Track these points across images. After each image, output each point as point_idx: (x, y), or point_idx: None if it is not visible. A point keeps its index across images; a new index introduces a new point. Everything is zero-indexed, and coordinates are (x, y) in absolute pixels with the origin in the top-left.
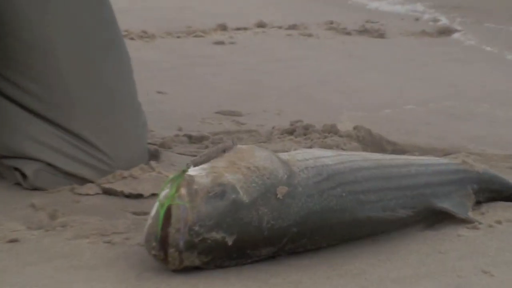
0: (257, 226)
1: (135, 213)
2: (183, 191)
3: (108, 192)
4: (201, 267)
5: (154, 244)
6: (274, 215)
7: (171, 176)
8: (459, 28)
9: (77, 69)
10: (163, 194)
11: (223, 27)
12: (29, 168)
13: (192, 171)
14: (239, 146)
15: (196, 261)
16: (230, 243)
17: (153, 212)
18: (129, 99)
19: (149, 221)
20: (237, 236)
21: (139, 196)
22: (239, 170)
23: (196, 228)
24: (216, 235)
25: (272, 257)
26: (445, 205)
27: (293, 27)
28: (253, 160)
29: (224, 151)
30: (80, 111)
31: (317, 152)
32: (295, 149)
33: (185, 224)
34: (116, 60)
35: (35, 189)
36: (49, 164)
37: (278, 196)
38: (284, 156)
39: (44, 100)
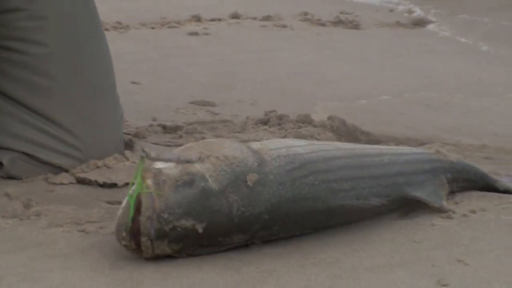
0: (227, 214)
1: (109, 202)
2: (149, 182)
3: (82, 181)
4: (173, 255)
5: (124, 234)
6: (245, 202)
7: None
8: (433, 19)
9: (60, 58)
10: (132, 188)
11: (198, 18)
12: (4, 157)
13: (161, 164)
14: (208, 139)
15: (167, 249)
16: (200, 230)
17: (123, 204)
18: (109, 90)
19: (119, 212)
20: (207, 224)
21: (113, 185)
22: (208, 160)
23: (165, 215)
24: (186, 223)
25: (245, 246)
26: (419, 194)
27: (267, 18)
28: (222, 151)
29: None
30: (59, 99)
31: (289, 141)
32: (267, 139)
33: (153, 212)
34: (98, 52)
35: (10, 178)
36: (24, 153)
37: (248, 183)
38: (255, 145)
39: (24, 87)
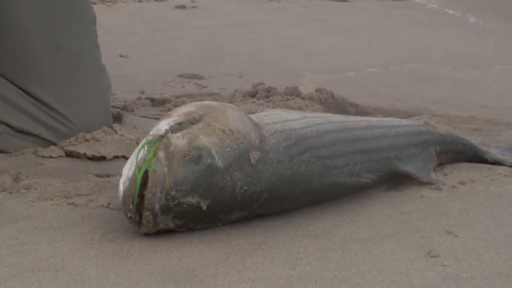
0: (231, 192)
1: (98, 175)
2: (161, 154)
3: (71, 154)
4: (174, 229)
5: (131, 206)
6: (248, 181)
7: (149, 138)
8: None
9: (41, 31)
10: (140, 156)
11: None
12: None
13: (167, 125)
14: (209, 102)
15: (170, 224)
16: (204, 207)
17: (129, 174)
18: (93, 62)
19: (126, 183)
20: (212, 201)
21: (102, 158)
22: (214, 132)
23: (173, 192)
24: (192, 200)
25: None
26: (409, 168)
27: None
28: (227, 122)
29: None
30: (43, 73)
31: (283, 114)
32: (261, 111)
33: (162, 189)
34: (80, 24)
35: None
36: (10, 126)
37: (251, 161)
38: (252, 118)
39: (8, 62)
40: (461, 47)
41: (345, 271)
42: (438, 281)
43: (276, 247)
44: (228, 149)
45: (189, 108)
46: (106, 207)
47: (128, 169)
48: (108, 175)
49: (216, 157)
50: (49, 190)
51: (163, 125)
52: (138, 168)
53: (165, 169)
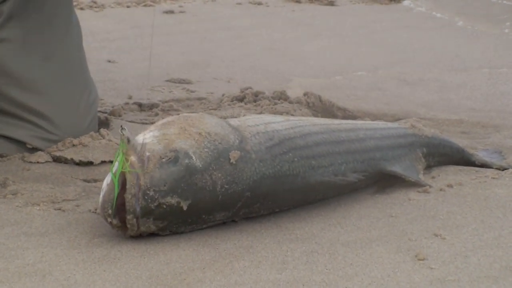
0: (211, 191)
1: (85, 181)
2: (133, 158)
3: (58, 160)
4: (157, 232)
5: (110, 211)
6: (228, 180)
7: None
8: None
9: (28, 40)
10: (115, 165)
11: None
12: None
13: (144, 138)
14: (187, 113)
15: (152, 226)
16: (185, 208)
17: (106, 182)
18: (80, 69)
19: (104, 189)
20: (192, 201)
21: (89, 163)
22: (190, 136)
23: (151, 193)
24: (171, 200)
25: (223, 223)
26: (396, 168)
27: None
28: (204, 126)
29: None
30: (32, 85)
31: (266, 117)
32: (244, 115)
33: (138, 189)
34: (67, 32)
35: None
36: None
37: (231, 161)
38: (234, 121)
39: None
40: (449, 51)
41: (333, 274)
42: (425, 284)
43: (263, 251)
44: (206, 149)
45: (167, 119)
46: (93, 212)
47: (105, 180)
48: (95, 180)
49: (193, 157)
50: (36, 195)
51: (140, 137)
52: (113, 174)
53: (138, 171)
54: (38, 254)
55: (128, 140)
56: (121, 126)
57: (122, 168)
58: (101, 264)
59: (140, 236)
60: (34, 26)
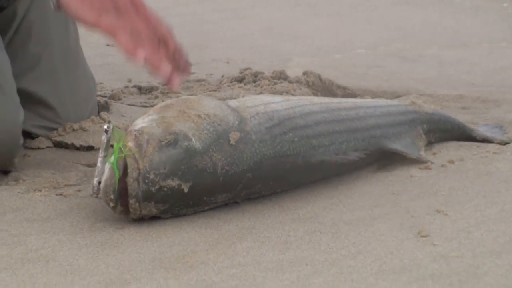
0: (212, 173)
1: (86, 165)
2: (130, 144)
3: (59, 145)
4: (158, 215)
5: (112, 196)
6: (228, 161)
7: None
8: None
9: (31, 31)
10: (112, 152)
11: None
12: None
13: (143, 122)
14: (186, 96)
15: (153, 210)
16: (186, 190)
17: (108, 167)
18: (78, 57)
19: (105, 174)
20: (193, 183)
21: (90, 148)
22: (189, 118)
23: (151, 176)
24: (172, 183)
25: (225, 204)
26: (397, 146)
27: None
28: (203, 109)
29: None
30: (34, 73)
31: (266, 98)
32: (243, 96)
33: (138, 173)
34: (66, 21)
35: None
36: None
37: (231, 142)
38: (233, 102)
39: None
40: (448, 26)
41: (336, 253)
42: (428, 260)
43: (265, 232)
44: (205, 131)
45: (165, 102)
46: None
47: (100, 164)
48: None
49: (193, 140)
50: (38, 181)
51: (139, 122)
52: (109, 160)
53: (136, 155)
54: (40, 240)
55: (112, 128)
56: (108, 120)
57: (118, 153)
58: (104, 249)
59: (142, 219)
60: (36, 15)
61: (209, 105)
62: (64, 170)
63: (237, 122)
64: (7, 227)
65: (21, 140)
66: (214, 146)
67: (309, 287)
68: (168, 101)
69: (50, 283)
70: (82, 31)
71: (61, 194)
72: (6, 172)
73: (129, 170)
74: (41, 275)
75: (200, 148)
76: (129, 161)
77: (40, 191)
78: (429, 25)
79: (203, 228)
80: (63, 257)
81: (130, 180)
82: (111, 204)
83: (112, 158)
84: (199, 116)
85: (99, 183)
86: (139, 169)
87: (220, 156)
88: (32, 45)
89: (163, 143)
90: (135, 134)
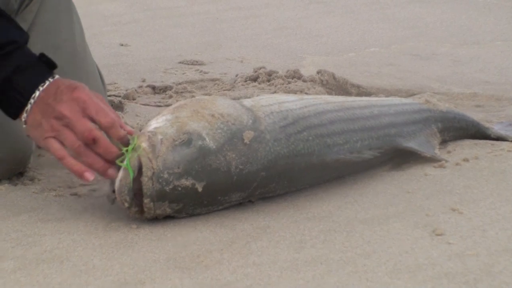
0: (226, 172)
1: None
2: (144, 145)
3: None
4: (173, 215)
5: (126, 197)
6: (242, 160)
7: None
8: None
9: (40, 33)
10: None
11: None
12: None
13: (156, 123)
14: (200, 96)
15: (167, 209)
16: (200, 189)
17: (121, 170)
18: (86, 57)
19: (120, 175)
20: (207, 183)
21: None
22: (203, 118)
23: (165, 175)
24: (186, 182)
25: (239, 204)
26: (411, 144)
27: None
28: (216, 108)
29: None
30: None
31: (280, 97)
32: (257, 95)
33: (153, 173)
34: (73, 23)
35: None
36: None
37: (245, 141)
38: (247, 102)
39: None
40: (461, 24)
41: (350, 252)
42: (443, 259)
43: (280, 231)
44: (219, 130)
45: (179, 103)
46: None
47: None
48: None
49: (207, 139)
50: (53, 181)
51: (153, 122)
52: (121, 161)
53: (150, 155)
54: (55, 240)
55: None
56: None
57: (130, 154)
58: (118, 249)
59: (157, 219)
60: (45, 19)
61: (223, 104)
62: None
63: (251, 121)
64: (21, 228)
65: (33, 146)
66: (228, 145)
67: (324, 286)
68: (181, 102)
69: (65, 283)
70: (95, 30)
71: (76, 194)
72: (21, 172)
73: (143, 170)
74: (56, 275)
75: (214, 147)
76: (144, 160)
77: (55, 190)
78: (442, 23)
79: (218, 228)
80: (77, 257)
81: (144, 179)
82: (126, 204)
83: (125, 159)
84: (212, 115)
85: (114, 191)
86: (153, 169)
87: (234, 155)
88: (41, 48)
89: (176, 142)
90: (149, 135)
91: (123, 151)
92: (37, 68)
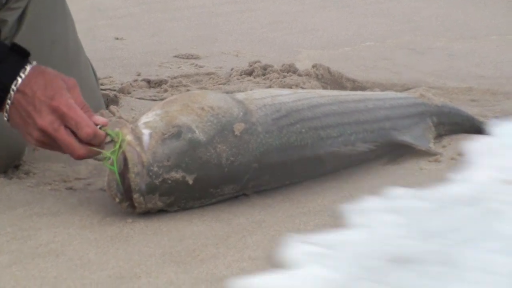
0: (217, 164)
1: (96, 159)
2: (129, 137)
3: None
4: (165, 209)
5: (115, 192)
6: (233, 152)
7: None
8: None
9: (36, 29)
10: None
11: None
12: None
13: (146, 118)
14: (190, 92)
15: (158, 203)
16: (191, 182)
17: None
18: (79, 54)
19: (108, 170)
20: (198, 175)
21: None
22: (193, 111)
23: (155, 169)
24: (176, 175)
25: (235, 198)
26: (406, 138)
27: None
28: (206, 102)
29: None
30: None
31: (274, 91)
32: (252, 89)
33: (142, 167)
34: (65, 18)
35: None
36: None
37: (235, 133)
38: (240, 95)
39: None
40: (457, 18)
41: None
42: None
43: (276, 225)
44: (209, 123)
45: (170, 98)
46: (104, 190)
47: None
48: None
49: (196, 131)
50: (48, 175)
51: (143, 118)
52: (108, 160)
53: (137, 148)
54: (50, 234)
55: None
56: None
57: (118, 148)
58: (114, 243)
59: (152, 214)
60: (36, 14)
61: (213, 98)
62: (74, 164)
63: (241, 113)
64: (17, 222)
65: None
66: (218, 137)
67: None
68: (172, 97)
69: (60, 277)
70: (90, 24)
71: (71, 188)
72: (16, 166)
73: (129, 165)
74: (51, 269)
75: (204, 139)
76: (129, 155)
77: (50, 184)
78: (438, 18)
79: (213, 222)
80: (73, 251)
81: (132, 175)
82: (117, 199)
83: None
84: (202, 108)
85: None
86: (142, 162)
87: (224, 147)
88: (34, 44)
89: (166, 135)
90: (131, 127)
91: (107, 155)
92: (11, 58)
